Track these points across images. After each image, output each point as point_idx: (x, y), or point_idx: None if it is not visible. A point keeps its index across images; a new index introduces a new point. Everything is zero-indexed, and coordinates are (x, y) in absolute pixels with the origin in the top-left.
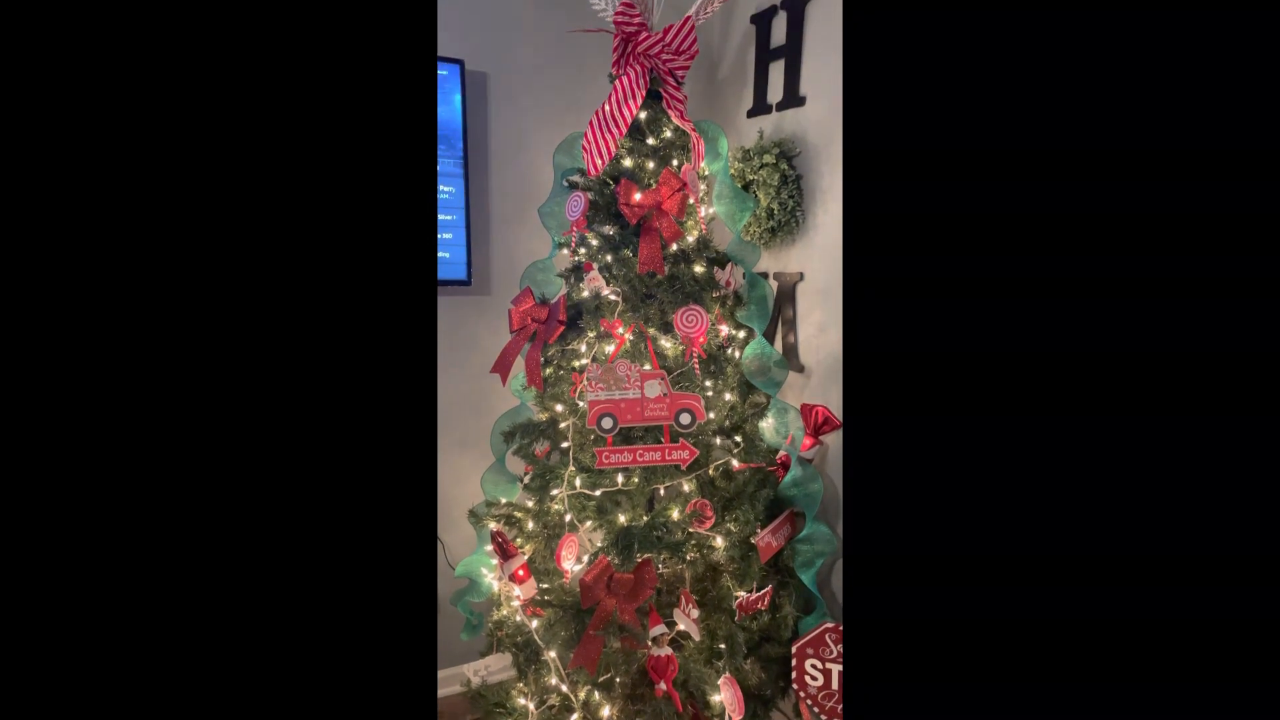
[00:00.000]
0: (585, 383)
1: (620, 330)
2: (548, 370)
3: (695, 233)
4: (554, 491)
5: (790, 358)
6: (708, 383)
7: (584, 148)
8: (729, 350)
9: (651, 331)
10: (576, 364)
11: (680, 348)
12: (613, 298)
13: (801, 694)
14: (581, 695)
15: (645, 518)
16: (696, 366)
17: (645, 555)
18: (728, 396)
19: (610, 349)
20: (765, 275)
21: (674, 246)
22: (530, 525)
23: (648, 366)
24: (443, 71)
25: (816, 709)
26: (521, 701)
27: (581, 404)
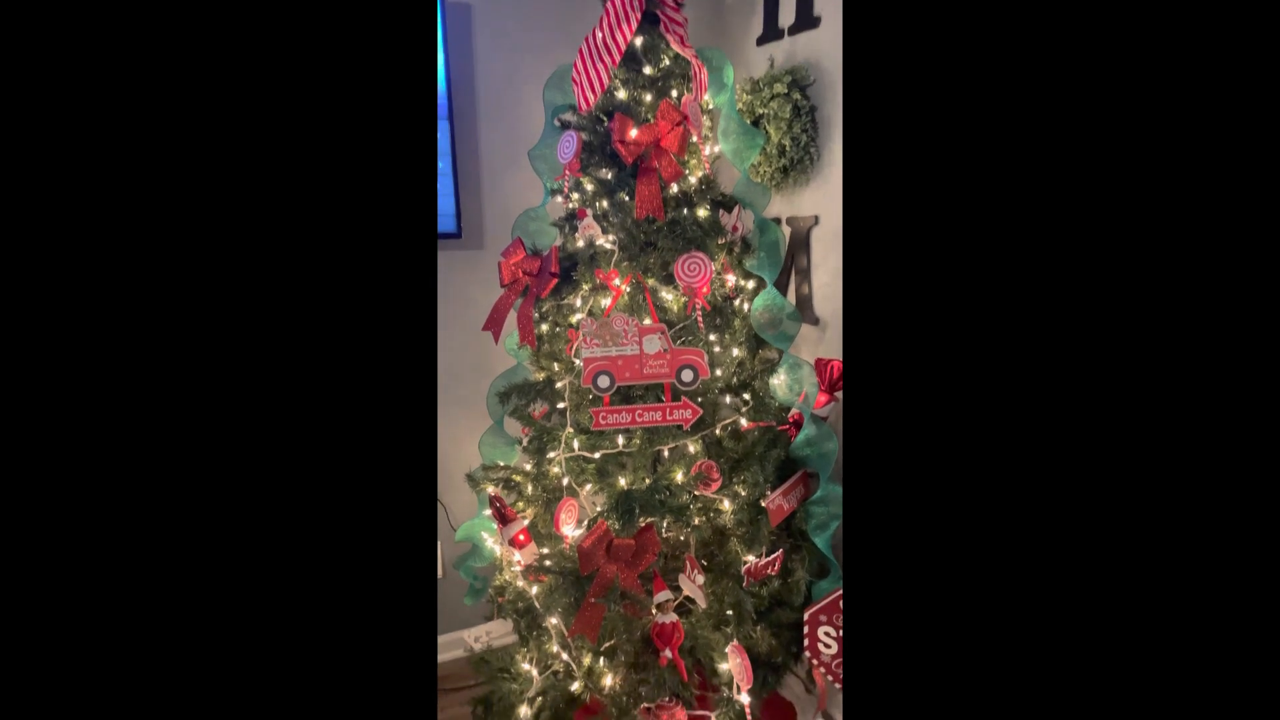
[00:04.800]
0: (580, 339)
1: (616, 282)
2: (542, 327)
3: (698, 173)
4: (551, 454)
5: (804, 309)
6: (712, 337)
7: (574, 80)
8: (736, 301)
9: (651, 282)
10: (573, 319)
11: (682, 299)
12: (609, 247)
13: (815, 661)
14: (586, 662)
15: (648, 480)
16: (700, 319)
17: (648, 520)
18: (735, 352)
19: (606, 302)
20: (776, 219)
21: (674, 188)
22: (529, 489)
23: (647, 320)
24: None
25: (830, 677)
26: (525, 667)
27: (578, 362)
